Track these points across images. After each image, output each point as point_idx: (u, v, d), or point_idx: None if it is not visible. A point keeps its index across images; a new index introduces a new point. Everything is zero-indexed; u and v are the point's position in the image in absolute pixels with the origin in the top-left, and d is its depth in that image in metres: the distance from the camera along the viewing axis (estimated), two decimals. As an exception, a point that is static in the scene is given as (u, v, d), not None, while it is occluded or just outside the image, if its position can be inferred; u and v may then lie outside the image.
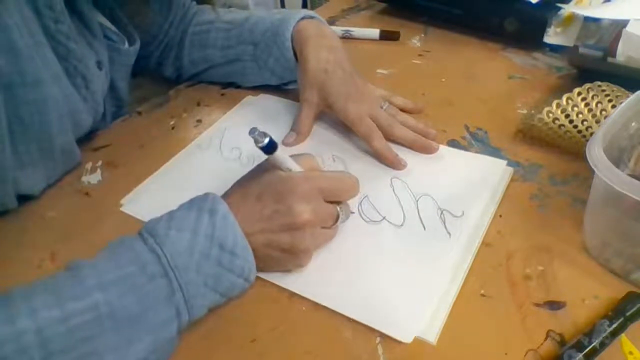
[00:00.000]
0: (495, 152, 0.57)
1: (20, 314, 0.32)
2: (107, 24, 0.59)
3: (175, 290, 0.37)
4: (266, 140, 0.41)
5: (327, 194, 0.44)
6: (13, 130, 0.46)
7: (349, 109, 0.57)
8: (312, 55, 0.58)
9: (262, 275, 0.44)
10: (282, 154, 0.43)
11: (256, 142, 0.41)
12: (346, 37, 0.81)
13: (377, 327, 0.40)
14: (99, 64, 0.56)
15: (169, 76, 0.73)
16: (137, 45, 0.63)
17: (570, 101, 0.55)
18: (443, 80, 0.70)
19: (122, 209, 0.52)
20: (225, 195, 0.43)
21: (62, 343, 0.33)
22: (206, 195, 0.41)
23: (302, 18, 0.62)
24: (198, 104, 0.68)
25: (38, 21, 0.46)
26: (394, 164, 0.55)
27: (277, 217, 0.41)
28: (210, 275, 0.39)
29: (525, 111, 0.63)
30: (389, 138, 0.57)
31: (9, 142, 0.45)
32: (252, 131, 0.41)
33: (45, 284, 0.35)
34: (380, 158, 0.56)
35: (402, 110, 0.62)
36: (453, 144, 0.58)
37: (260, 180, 0.43)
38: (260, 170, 0.44)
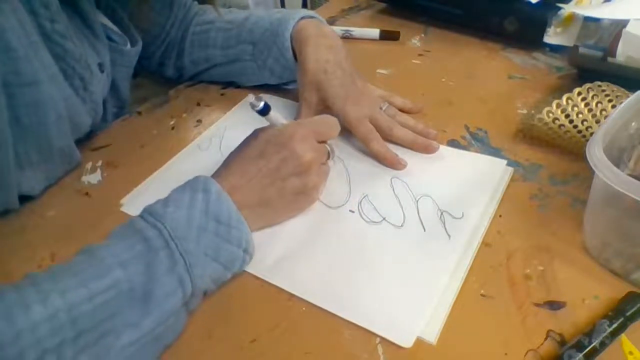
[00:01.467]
0: (495, 152, 0.57)
1: (50, 295, 0.33)
2: (110, 24, 0.59)
3: (177, 260, 0.38)
4: (261, 103, 0.47)
5: (319, 134, 0.49)
6: (11, 132, 0.45)
7: (347, 111, 0.57)
8: (311, 55, 0.58)
9: (263, 276, 0.44)
10: (275, 112, 0.48)
11: (253, 106, 0.47)
12: (346, 37, 0.81)
13: (377, 332, 0.40)
14: (101, 66, 0.56)
15: (170, 76, 0.73)
16: (139, 46, 0.63)
17: (570, 101, 0.55)
18: (443, 80, 0.70)
19: (122, 209, 0.52)
20: (224, 166, 0.47)
21: (89, 321, 0.34)
22: (197, 177, 0.43)
23: (302, 18, 0.62)
24: (198, 104, 0.68)
25: (34, 21, 0.46)
26: (394, 165, 0.55)
27: (284, 165, 0.45)
28: (210, 246, 0.40)
29: (525, 111, 0.63)
30: (389, 139, 0.57)
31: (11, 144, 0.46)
32: (250, 98, 0.47)
33: (64, 268, 0.36)
34: (379, 160, 0.56)
35: (402, 110, 0.62)
36: (453, 144, 0.58)
37: (257, 141, 0.47)
38: (252, 136, 0.48)
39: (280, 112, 0.50)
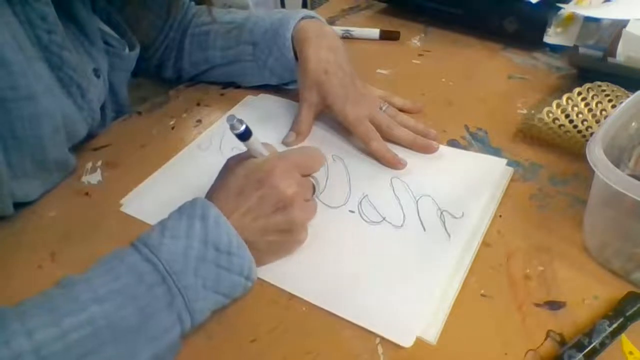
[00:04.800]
0: (495, 152, 0.57)
1: (16, 335, 0.32)
2: (107, 29, 0.59)
3: (175, 295, 0.37)
4: (243, 127, 0.42)
5: (302, 168, 0.46)
6: (6, 144, 0.45)
7: (347, 111, 0.57)
8: (312, 55, 0.58)
9: (262, 276, 0.44)
10: (256, 140, 0.44)
11: (233, 128, 0.42)
12: (346, 37, 0.81)
13: (377, 332, 0.40)
14: (96, 72, 0.56)
15: (169, 77, 0.73)
16: (138, 50, 0.63)
17: (570, 101, 0.55)
18: (443, 80, 0.70)
19: (122, 209, 0.52)
20: None
21: None
22: (194, 201, 0.41)
23: (303, 18, 0.62)
24: (198, 104, 0.68)
25: (31, 32, 0.46)
26: (393, 164, 0.55)
27: (265, 202, 0.42)
28: (209, 277, 0.39)
29: (525, 111, 0.63)
30: (389, 139, 0.57)
31: (2, 155, 0.45)
32: (230, 119, 0.42)
33: (38, 303, 0.35)
34: (379, 159, 0.56)
35: (401, 110, 0.62)
36: (453, 144, 0.58)
37: (235, 176, 0.44)
38: (230, 168, 0.45)
39: (260, 139, 0.45)
